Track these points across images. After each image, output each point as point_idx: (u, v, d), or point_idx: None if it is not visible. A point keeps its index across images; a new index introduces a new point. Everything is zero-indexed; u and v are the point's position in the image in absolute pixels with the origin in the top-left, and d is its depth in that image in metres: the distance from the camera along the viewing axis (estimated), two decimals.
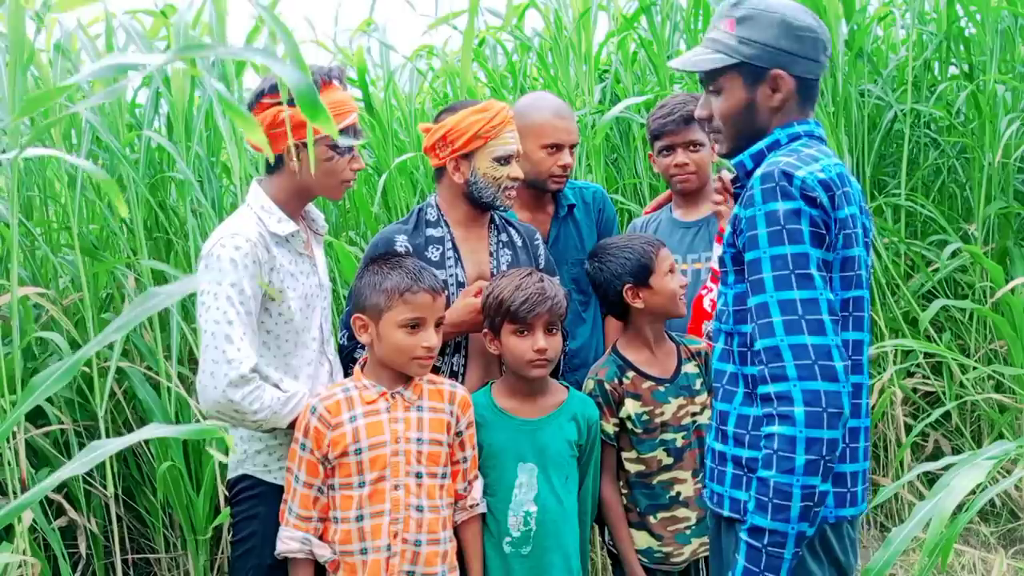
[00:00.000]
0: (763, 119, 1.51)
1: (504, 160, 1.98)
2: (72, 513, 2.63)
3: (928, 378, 3.44)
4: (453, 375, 2.03)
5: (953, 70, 4.02)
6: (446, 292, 1.96)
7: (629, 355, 2.04)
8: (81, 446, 2.80)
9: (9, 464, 2.19)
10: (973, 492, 1.74)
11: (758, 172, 1.40)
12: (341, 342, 2.02)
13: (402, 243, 2.00)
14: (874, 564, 1.42)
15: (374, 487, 1.72)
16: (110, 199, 3.03)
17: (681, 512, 2.01)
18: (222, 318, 1.66)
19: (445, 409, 1.81)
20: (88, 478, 2.75)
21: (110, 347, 2.64)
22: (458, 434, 1.83)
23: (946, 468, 1.67)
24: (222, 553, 2.92)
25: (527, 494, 1.87)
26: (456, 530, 1.84)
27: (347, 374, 1.90)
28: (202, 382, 1.66)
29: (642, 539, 2.04)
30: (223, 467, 2.56)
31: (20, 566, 2.10)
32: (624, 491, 2.05)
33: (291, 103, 1.74)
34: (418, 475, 1.75)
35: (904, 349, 3.26)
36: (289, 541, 1.73)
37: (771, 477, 1.31)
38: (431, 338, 1.75)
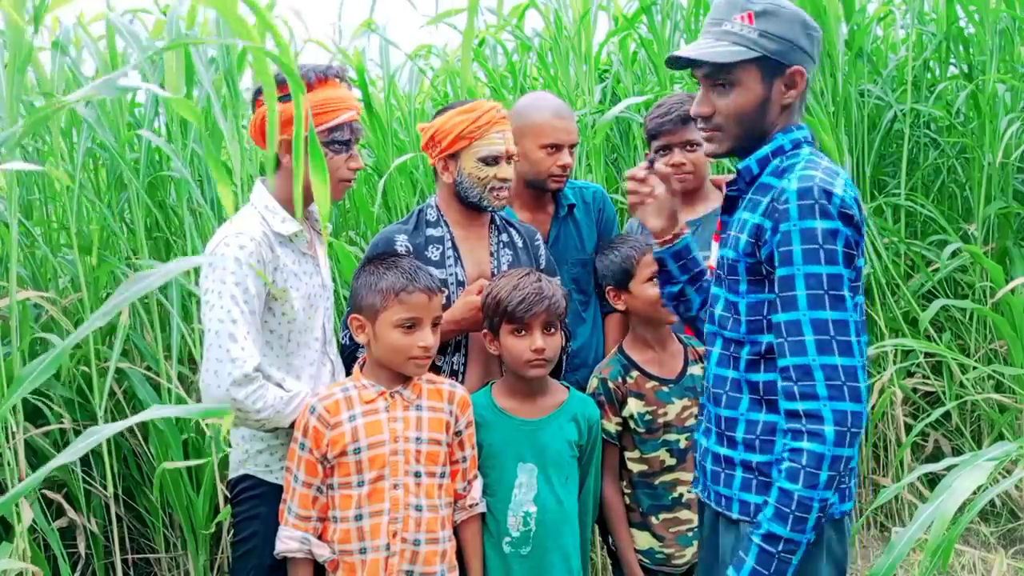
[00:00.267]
0: (771, 118, 1.50)
1: (490, 160, 1.97)
2: (72, 513, 2.62)
3: (928, 378, 3.44)
4: (453, 374, 2.03)
5: (953, 70, 4.03)
6: (446, 291, 1.97)
7: (634, 354, 2.05)
8: None
9: (9, 464, 2.18)
10: (974, 493, 1.74)
11: (793, 186, 1.39)
12: (343, 342, 2.02)
13: (402, 243, 2.01)
14: (878, 568, 1.43)
15: (373, 486, 1.72)
16: (110, 199, 3.03)
17: (684, 514, 2.02)
18: (226, 316, 1.66)
19: (444, 409, 1.81)
20: (88, 478, 2.75)
21: (110, 347, 2.64)
22: (457, 433, 1.83)
23: (947, 469, 1.67)
24: (222, 553, 2.92)
25: (527, 494, 1.87)
26: (455, 530, 1.84)
27: (349, 374, 1.90)
28: (205, 380, 1.66)
29: (644, 540, 2.04)
30: (223, 467, 2.56)
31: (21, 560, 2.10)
32: (627, 491, 2.05)
33: (284, 99, 1.74)
34: (417, 474, 1.75)
35: (904, 349, 3.26)
36: (288, 541, 1.73)
37: (795, 491, 1.36)
38: (427, 338, 1.74)
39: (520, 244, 2.10)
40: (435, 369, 1.97)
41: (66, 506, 2.62)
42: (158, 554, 2.94)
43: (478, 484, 1.87)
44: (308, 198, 1.86)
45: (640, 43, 3.91)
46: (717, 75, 1.47)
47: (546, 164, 2.25)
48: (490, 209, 2.03)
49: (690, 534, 2.01)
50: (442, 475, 1.80)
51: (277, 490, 1.79)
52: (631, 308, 2.08)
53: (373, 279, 1.77)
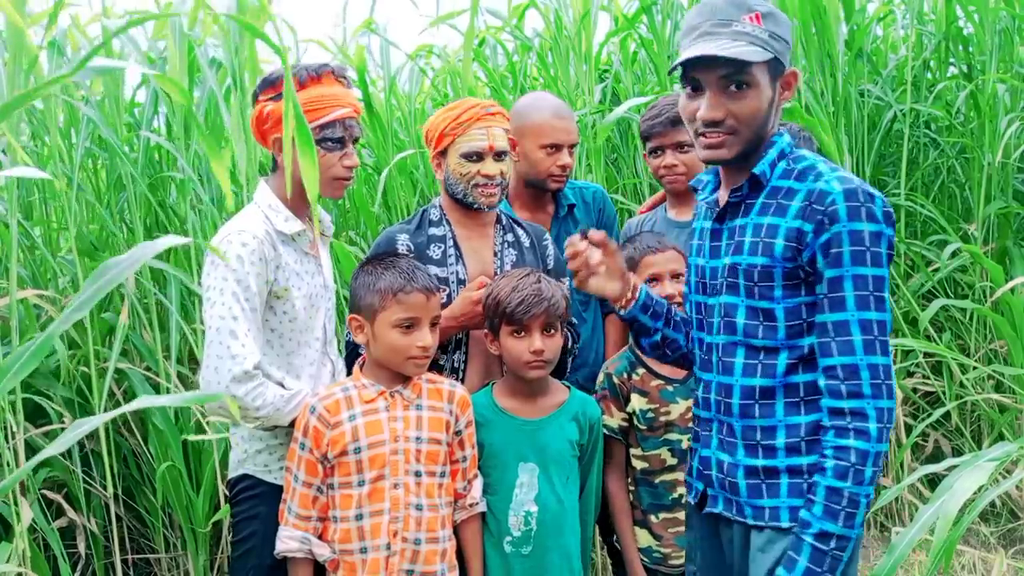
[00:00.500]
0: (772, 121, 1.50)
1: (472, 156, 1.97)
2: (72, 513, 2.62)
3: (928, 378, 3.44)
4: (454, 372, 2.03)
5: (953, 70, 4.03)
6: (446, 290, 1.97)
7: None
8: (80, 446, 2.80)
9: (8, 464, 2.18)
10: (975, 493, 1.74)
11: (837, 187, 1.40)
12: (349, 340, 2.03)
13: (403, 242, 2.02)
14: (879, 569, 1.43)
15: (373, 486, 1.72)
16: (110, 199, 3.03)
17: (683, 514, 2.02)
18: (227, 313, 1.66)
19: (444, 408, 1.81)
20: (88, 478, 2.75)
21: (109, 347, 2.63)
22: (457, 433, 1.83)
23: (948, 470, 1.67)
24: (222, 553, 2.92)
25: (528, 494, 1.87)
26: (456, 529, 1.84)
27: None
28: (205, 377, 1.66)
29: (643, 537, 2.04)
30: (223, 467, 2.56)
31: (20, 564, 2.10)
32: (631, 488, 2.06)
33: (278, 98, 1.74)
34: (417, 474, 1.75)
35: (904, 349, 3.26)
36: (288, 540, 1.73)
37: (845, 488, 1.39)
38: (426, 338, 1.74)
39: (527, 244, 2.10)
40: (436, 367, 1.97)
41: (66, 506, 2.62)
42: (158, 554, 2.94)
43: (478, 483, 1.87)
44: (306, 196, 1.85)
45: (640, 43, 3.91)
46: (736, 76, 1.43)
47: (546, 164, 2.25)
48: (476, 206, 2.01)
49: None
50: (442, 474, 1.80)
51: (276, 490, 1.79)
52: None
53: (371, 279, 1.77)
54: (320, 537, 1.75)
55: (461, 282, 2.01)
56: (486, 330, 1.91)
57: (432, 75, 4.28)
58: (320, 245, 1.93)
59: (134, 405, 1.01)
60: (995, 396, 3.26)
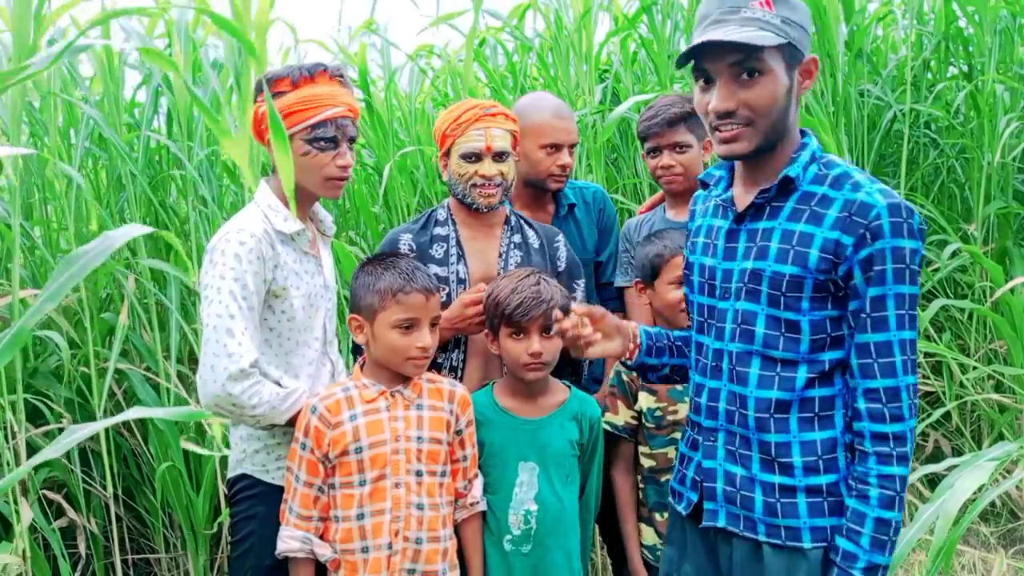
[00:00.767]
0: (791, 112, 1.43)
1: (471, 157, 1.99)
2: (72, 513, 2.62)
3: (928, 378, 3.44)
4: (452, 370, 2.03)
5: (953, 70, 4.03)
6: (446, 289, 1.97)
7: None
8: (81, 446, 2.80)
9: (8, 464, 2.18)
10: (975, 493, 1.74)
11: (881, 201, 1.35)
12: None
13: (406, 242, 2.04)
14: None
15: (375, 486, 1.72)
16: (110, 199, 3.03)
17: None
18: (224, 312, 1.66)
19: (445, 408, 1.81)
20: (88, 478, 2.75)
21: (109, 347, 2.63)
22: (458, 432, 1.83)
23: (948, 469, 1.68)
24: (222, 553, 2.92)
25: (528, 493, 1.87)
26: (456, 528, 1.84)
27: None
28: (202, 376, 1.66)
29: (649, 535, 2.05)
30: (223, 467, 2.56)
31: (20, 565, 2.10)
32: (640, 486, 2.06)
33: (272, 98, 1.74)
34: (418, 473, 1.75)
35: None
36: (290, 540, 1.73)
37: (893, 518, 1.36)
38: (425, 338, 1.74)
39: (536, 245, 2.10)
40: (435, 366, 1.97)
41: (66, 506, 2.62)
42: (158, 554, 2.94)
43: (478, 483, 1.87)
44: (311, 197, 1.85)
45: (640, 43, 3.91)
46: (747, 62, 1.36)
47: (545, 164, 2.26)
48: (475, 206, 2.02)
49: None
50: (443, 474, 1.80)
51: (274, 490, 1.79)
52: (653, 305, 2.08)
53: (371, 279, 1.77)
54: (321, 537, 1.75)
55: (461, 281, 2.02)
56: (487, 330, 1.91)
57: (432, 75, 4.28)
58: (321, 245, 1.93)
59: (127, 415, 1.01)
60: (995, 396, 3.26)
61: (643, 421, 2.03)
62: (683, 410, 2.00)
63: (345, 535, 1.72)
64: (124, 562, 2.78)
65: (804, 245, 1.39)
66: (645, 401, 2.02)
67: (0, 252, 2.80)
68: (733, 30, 1.35)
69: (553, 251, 2.12)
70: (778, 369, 1.44)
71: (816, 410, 1.43)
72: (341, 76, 1.82)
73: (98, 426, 0.99)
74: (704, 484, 1.54)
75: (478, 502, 1.86)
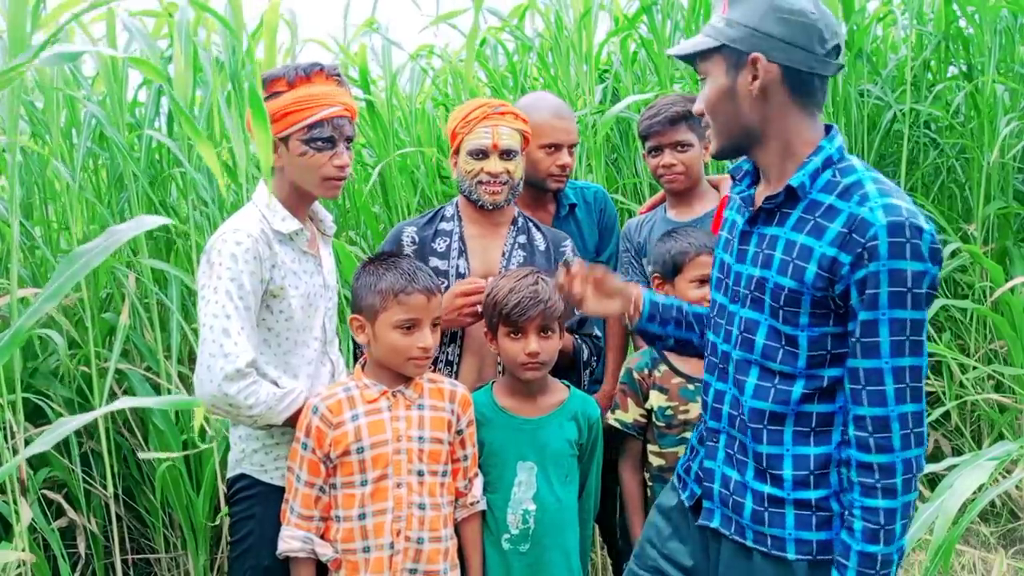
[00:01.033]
0: (747, 112, 1.39)
1: (477, 154, 2.01)
2: (72, 513, 2.62)
3: (928, 378, 3.44)
4: (449, 365, 2.04)
5: (953, 70, 4.03)
6: (445, 283, 1.98)
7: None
8: (80, 446, 2.80)
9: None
10: (975, 493, 1.74)
11: (882, 219, 1.27)
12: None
13: (409, 235, 2.08)
14: None
15: (376, 485, 1.72)
16: (111, 199, 3.03)
17: None
18: (220, 312, 1.66)
19: (446, 408, 1.81)
20: (88, 478, 2.75)
21: (109, 348, 2.63)
22: (458, 432, 1.83)
23: (948, 469, 1.68)
24: (222, 553, 2.92)
25: (526, 492, 1.87)
26: (456, 527, 1.84)
27: None
28: (199, 376, 1.66)
29: None
30: (223, 467, 2.56)
31: (19, 566, 2.10)
32: (648, 484, 2.06)
33: (268, 99, 1.74)
34: (420, 473, 1.75)
35: None
36: (291, 540, 1.73)
37: (878, 551, 1.31)
38: (426, 339, 1.74)
39: (542, 248, 2.10)
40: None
41: (66, 506, 2.62)
42: (158, 554, 2.94)
43: (479, 482, 1.87)
44: (306, 196, 1.85)
45: (640, 43, 3.91)
46: (696, 69, 1.44)
47: (545, 164, 2.26)
48: (480, 203, 2.04)
49: None
50: (444, 474, 1.80)
51: (272, 490, 1.79)
52: None
53: (372, 280, 1.77)
54: (322, 537, 1.75)
55: (460, 276, 2.03)
56: (486, 330, 1.92)
57: (433, 75, 4.28)
58: (321, 244, 1.93)
59: (117, 405, 1.01)
60: (995, 396, 3.26)
61: (653, 419, 2.03)
62: (694, 410, 2.00)
63: (346, 535, 1.72)
64: (124, 562, 2.78)
65: (803, 259, 1.35)
66: (656, 400, 2.01)
67: (0, 252, 2.80)
68: (691, 40, 1.44)
69: (559, 255, 2.12)
70: (775, 381, 1.41)
71: (813, 425, 1.40)
72: (338, 75, 1.81)
73: (89, 417, 0.99)
74: (704, 483, 1.55)
75: (478, 501, 1.86)
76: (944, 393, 3.33)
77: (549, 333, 1.86)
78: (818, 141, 1.40)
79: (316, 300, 1.86)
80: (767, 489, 1.43)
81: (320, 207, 1.95)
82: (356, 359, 2.02)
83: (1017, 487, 3.24)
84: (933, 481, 3.11)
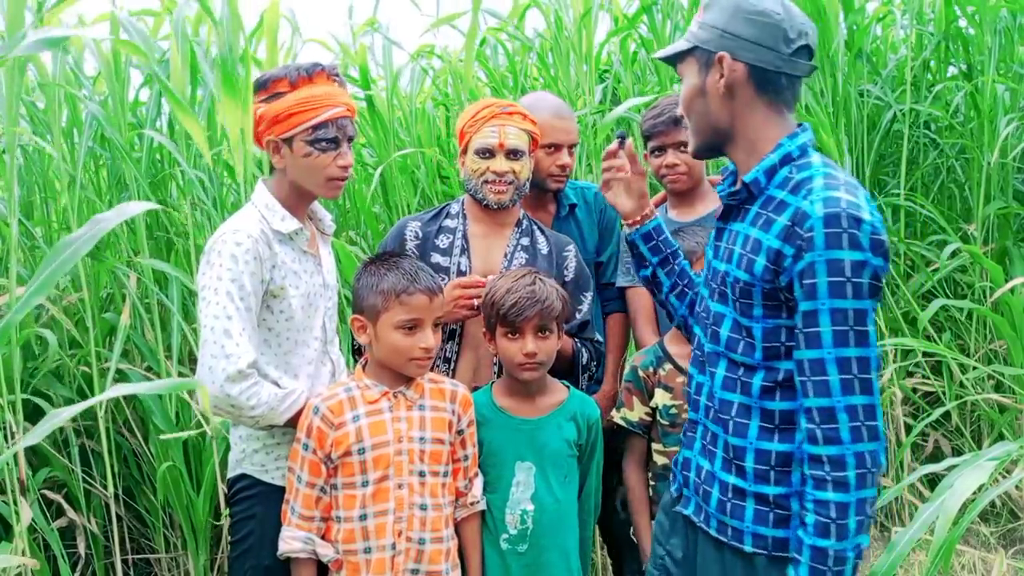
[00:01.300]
0: (716, 110, 1.44)
1: (484, 153, 2.02)
2: (72, 513, 2.62)
3: (928, 378, 3.44)
4: (446, 361, 2.04)
5: (952, 70, 4.03)
6: (445, 279, 1.98)
7: (672, 348, 2.04)
8: (81, 446, 2.80)
9: (8, 464, 2.18)
10: (975, 493, 1.74)
11: (819, 211, 1.30)
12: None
13: (413, 230, 2.10)
14: (879, 567, 1.43)
15: (377, 486, 1.72)
16: (111, 199, 3.03)
17: None
18: (221, 313, 1.66)
19: (447, 408, 1.81)
20: (88, 478, 2.75)
21: (110, 348, 2.63)
22: (459, 432, 1.83)
23: (948, 469, 1.68)
24: (222, 553, 2.92)
25: (524, 493, 1.87)
26: (455, 527, 1.84)
27: None
28: (200, 377, 1.66)
29: None
30: (223, 467, 2.56)
31: (19, 565, 2.10)
32: (652, 483, 2.06)
33: (270, 99, 1.74)
34: (421, 474, 1.75)
35: (904, 349, 3.27)
36: (292, 541, 1.73)
37: (829, 546, 1.31)
38: (428, 339, 1.74)
39: (545, 251, 2.10)
40: None
41: (66, 506, 2.62)
42: (158, 554, 2.94)
43: (479, 482, 1.87)
44: (306, 196, 1.85)
45: (640, 43, 3.91)
46: (677, 72, 1.50)
47: (545, 164, 2.26)
48: (486, 202, 2.04)
49: None
50: (445, 474, 1.80)
51: (273, 490, 1.79)
52: None
53: (374, 280, 1.76)
54: (323, 537, 1.75)
55: (462, 273, 2.04)
56: (484, 329, 1.92)
57: (433, 75, 4.28)
58: (321, 243, 1.93)
59: (109, 394, 1.00)
60: (995, 396, 3.26)
61: (658, 418, 2.03)
62: None
63: (347, 535, 1.72)
64: (124, 562, 2.78)
65: (754, 252, 1.39)
66: (661, 398, 2.01)
67: (0, 251, 2.80)
68: (671, 44, 1.54)
69: (562, 260, 2.12)
70: (740, 373, 1.44)
71: (777, 421, 1.41)
72: (337, 75, 1.82)
73: (84, 405, 0.98)
74: (683, 472, 1.60)
75: (478, 501, 1.86)
76: (944, 393, 3.33)
77: (547, 333, 1.85)
78: (776, 138, 1.43)
79: (316, 300, 1.86)
80: (732, 480, 1.46)
81: (319, 206, 1.95)
82: (355, 359, 2.02)
83: (1017, 487, 3.24)
84: (933, 481, 3.11)
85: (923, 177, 3.87)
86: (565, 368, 2.03)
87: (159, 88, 2.86)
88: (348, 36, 3.85)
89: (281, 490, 1.78)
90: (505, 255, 2.08)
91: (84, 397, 2.78)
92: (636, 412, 2.04)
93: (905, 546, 1.50)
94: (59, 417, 0.99)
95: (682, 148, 2.26)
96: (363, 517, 1.72)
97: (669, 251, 1.74)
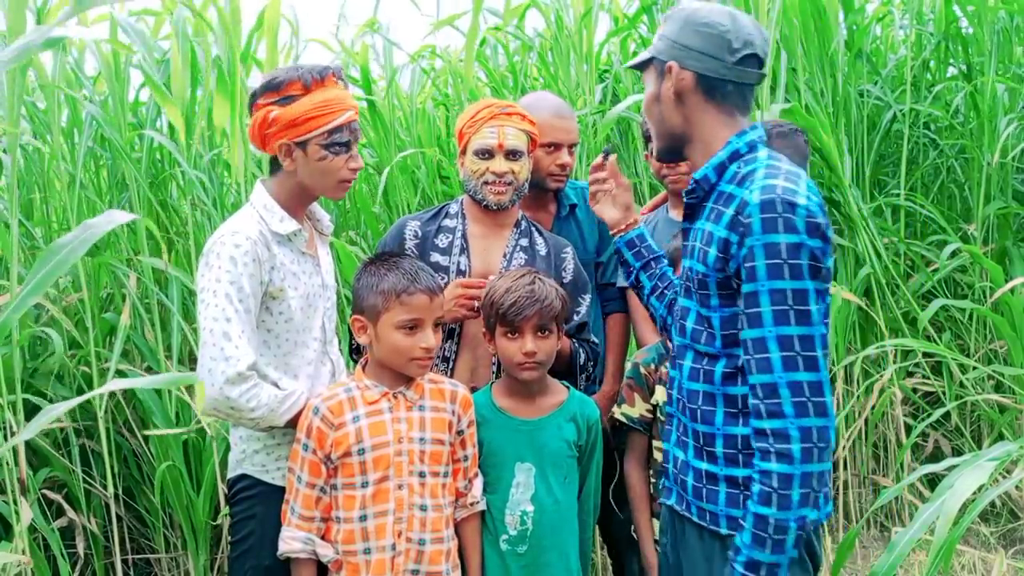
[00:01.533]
0: (669, 115, 1.53)
1: (483, 154, 2.03)
2: (72, 513, 2.62)
3: (928, 378, 3.44)
4: (445, 361, 2.04)
5: (952, 71, 4.04)
6: (445, 279, 1.99)
7: None
8: (81, 446, 2.80)
9: (8, 464, 2.18)
10: (975, 493, 1.74)
11: (755, 198, 1.37)
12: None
13: (412, 229, 2.10)
14: (879, 567, 1.43)
15: (377, 487, 1.72)
16: (112, 199, 3.03)
17: None
18: (220, 315, 1.66)
19: (447, 408, 1.81)
20: (88, 478, 2.75)
21: (110, 348, 2.64)
22: (459, 433, 1.83)
23: (948, 469, 1.68)
24: (222, 553, 2.92)
25: (524, 494, 1.87)
26: (455, 527, 1.84)
27: None
28: (200, 379, 1.66)
29: (659, 528, 2.05)
30: (223, 467, 2.56)
31: (19, 564, 2.10)
32: (652, 480, 2.06)
33: (283, 102, 1.74)
34: (421, 474, 1.75)
35: (904, 349, 3.27)
36: (292, 541, 1.72)
37: (770, 514, 1.35)
38: (429, 339, 1.74)
39: (543, 253, 2.11)
40: None
41: (66, 506, 2.62)
42: (158, 554, 2.94)
43: (478, 482, 1.87)
44: (306, 197, 1.85)
45: (641, 43, 3.91)
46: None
47: (545, 163, 2.26)
48: (485, 203, 2.04)
49: None
50: (445, 475, 1.80)
51: (274, 490, 1.79)
52: None
53: (374, 280, 1.76)
54: (323, 537, 1.75)
55: (461, 273, 2.04)
56: (484, 330, 1.92)
57: (433, 75, 4.28)
58: (319, 244, 1.93)
59: (105, 389, 1.01)
60: (995, 396, 3.26)
61: (658, 415, 2.03)
62: None
63: (347, 536, 1.72)
64: (124, 562, 2.79)
65: (707, 244, 1.47)
66: (662, 395, 2.01)
67: (0, 252, 2.80)
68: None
69: (560, 261, 2.12)
70: (704, 363, 1.50)
71: (740, 407, 1.46)
72: (343, 77, 1.83)
73: (76, 402, 0.98)
74: (663, 464, 1.67)
75: (478, 502, 1.86)
76: (944, 393, 3.33)
77: (546, 333, 1.85)
78: (726, 137, 1.52)
79: (315, 300, 1.86)
80: (704, 466, 1.51)
81: (317, 207, 1.95)
82: (354, 360, 2.01)
83: (1017, 487, 3.24)
84: (933, 481, 3.12)
85: (923, 177, 3.88)
86: (563, 369, 2.03)
87: (147, 76, 2.85)
88: (345, 35, 3.85)
89: (282, 490, 1.78)
90: (504, 255, 2.08)
91: None
92: (637, 408, 2.04)
93: (905, 546, 1.51)
94: (55, 411, 0.99)
95: None
96: (363, 518, 1.72)
97: (651, 256, 1.83)
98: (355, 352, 2.05)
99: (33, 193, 3.00)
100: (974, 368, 3.31)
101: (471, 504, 1.85)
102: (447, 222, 2.11)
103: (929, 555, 1.47)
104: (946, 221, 3.63)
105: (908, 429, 3.37)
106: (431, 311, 1.75)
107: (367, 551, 1.71)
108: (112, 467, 2.63)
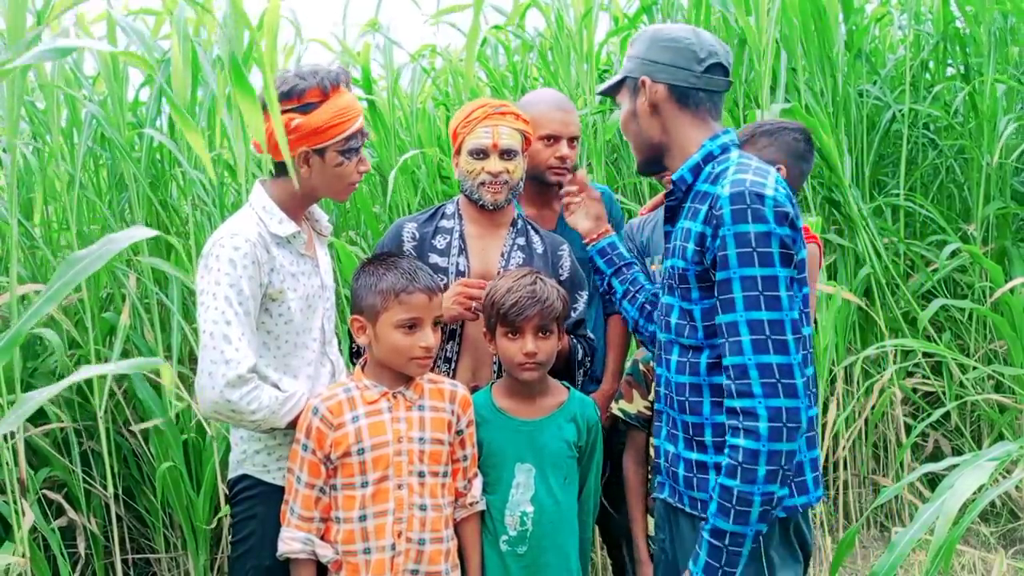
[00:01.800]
0: (647, 128, 1.63)
1: (478, 154, 2.03)
2: (72, 513, 2.62)
3: (928, 378, 3.44)
4: (447, 361, 2.04)
5: (951, 71, 4.04)
6: (444, 280, 1.99)
7: None
8: (81, 446, 2.80)
9: (8, 465, 2.18)
10: (975, 493, 1.74)
11: (726, 191, 1.45)
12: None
13: (410, 231, 2.10)
14: (879, 567, 1.43)
15: (377, 487, 1.72)
16: (111, 198, 3.03)
17: None
18: (220, 318, 1.66)
19: (446, 408, 1.81)
20: (88, 478, 2.75)
21: (110, 347, 2.64)
22: (458, 433, 1.83)
23: (948, 469, 1.68)
24: (222, 553, 2.92)
25: (524, 494, 1.87)
26: (455, 527, 1.84)
27: None
28: (200, 382, 1.66)
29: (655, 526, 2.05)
30: (223, 467, 2.57)
31: (22, 565, 2.10)
32: (649, 476, 2.06)
33: (303, 109, 1.73)
34: (420, 474, 1.75)
35: (904, 349, 3.27)
36: (291, 542, 1.73)
37: (735, 486, 1.42)
38: (428, 338, 1.74)
39: (540, 251, 2.11)
40: None
41: (66, 506, 2.62)
42: (158, 554, 2.94)
43: (478, 482, 1.87)
44: (309, 199, 1.85)
45: None
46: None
47: (543, 156, 2.25)
48: (481, 203, 2.04)
49: None
50: (444, 475, 1.80)
51: (274, 490, 1.79)
52: None
53: (373, 280, 1.76)
54: (322, 538, 1.75)
55: (460, 274, 2.04)
56: (484, 330, 1.92)
57: (434, 75, 4.28)
58: (318, 244, 1.93)
59: (75, 377, 1.02)
60: (995, 396, 3.26)
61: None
62: None
63: (347, 536, 1.72)
64: (124, 562, 2.79)
65: (686, 240, 1.54)
66: None
67: (0, 251, 2.80)
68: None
69: (556, 259, 2.12)
70: (689, 355, 1.56)
71: (725, 395, 1.49)
72: (349, 82, 1.83)
73: (60, 386, 0.98)
74: (655, 459, 1.71)
75: (477, 502, 1.86)
76: (944, 393, 3.33)
77: (547, 333, 1.85)
78: (700, 141, 1.60)
79: (315, 301, 1.86)
80: (694, 456, 1.56)
81: (316, 208, 1.95)
82: (353, 362, 2.01)
83: (1017, 487, 3.24)
84: (933, 481, 3.12)
85: (922, 177, 3.88)
86: (562, 366, 2.03)
87: (159, 87, 2.86)
88: (347, 35, 3.85)
89: (282, 490, 1.78)
90: (502, 255, 2.08)
91: (84, 397, 2.78)
92: (635, 405, 2.04)
93: (905, 546, 1.51)
94: (42, 395, 0.99)
95: None
96: (362, 518, 1.72)
97: (622, 263, 1.94)
98: (356, 356, 2.05)
99: (33, 193, 3.00)
100: (974, 368, 3.31)
101: (471, 504, 1.85)
102: (444, 223, 2.11)
103: (929, 555, 1.47)
104: (946, 221, 3.64)
105: (908, 429, 3.37)
106: (430, 310, 1.75)
107: (367, 551, 1.71)
108: (112, 467, 2.63)
